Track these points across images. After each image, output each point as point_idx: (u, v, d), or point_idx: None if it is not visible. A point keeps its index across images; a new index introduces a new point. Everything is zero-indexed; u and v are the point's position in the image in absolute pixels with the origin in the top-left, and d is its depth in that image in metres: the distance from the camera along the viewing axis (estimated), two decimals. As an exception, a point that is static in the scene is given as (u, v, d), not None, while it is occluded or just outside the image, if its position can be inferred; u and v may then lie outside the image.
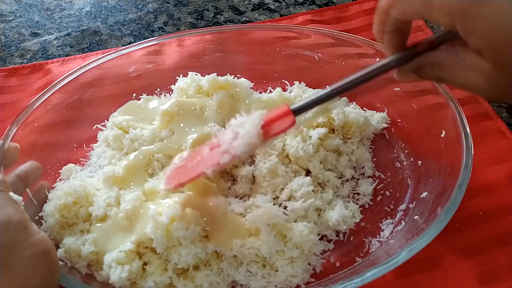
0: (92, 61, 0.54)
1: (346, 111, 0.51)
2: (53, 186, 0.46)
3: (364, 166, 0.51)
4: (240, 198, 0.47)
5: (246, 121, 0.36)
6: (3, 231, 0.32)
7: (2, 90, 0.61)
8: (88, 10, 0.76)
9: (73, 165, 0.50)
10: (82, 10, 0.76)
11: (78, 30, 0.72)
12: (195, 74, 0.54)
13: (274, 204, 0.45)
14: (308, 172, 0.49)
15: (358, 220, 0.46)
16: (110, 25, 0.73)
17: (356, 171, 0.50)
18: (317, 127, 0.50)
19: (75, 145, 0.52)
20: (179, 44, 0.60)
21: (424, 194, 0.45)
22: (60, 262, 0.39)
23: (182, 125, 0.49)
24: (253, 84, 0.55)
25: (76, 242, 0.41)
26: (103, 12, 0.75)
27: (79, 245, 0.40)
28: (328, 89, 0.35)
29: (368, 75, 0.35)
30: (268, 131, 0.36)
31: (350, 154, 0.51)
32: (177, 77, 0.55)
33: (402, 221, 0.45)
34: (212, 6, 0.76)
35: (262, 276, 0.41)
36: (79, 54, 0.67)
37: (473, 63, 0.30)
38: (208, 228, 0.41)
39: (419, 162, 0.49)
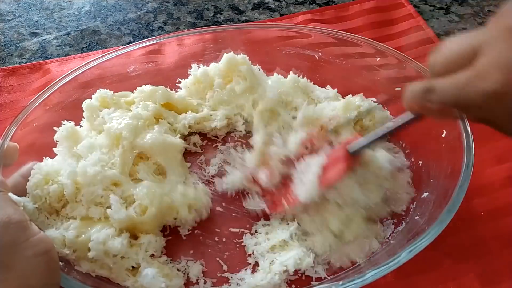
0: (92, 61, 0.54)
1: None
2: None
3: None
4: None
5: (309, 167, 0.43)
6: (4, 231, 0.32)
7: (1, 90, 0.61)
8: (87, 9, 0.75)
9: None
10: (81, 10, 0.75)
11: (78, 29, 0.71)
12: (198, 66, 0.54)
13: None
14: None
15: (359, 220, 0.46)
16: (110, 25, 0.72)
17: (356, 171, 0.50)
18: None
19: (74, 145, 0.52)
20: (179, 44, 0.59)
21: (425, 194, 0.45)
22: (60, 263, 0.39)
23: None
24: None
25: (59, 231, 0.40)
26: (102, 11, 0.75)
27: (62, 234, 0.40)
28: (384, 129, 0.40)
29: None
30: (326, 179, 0.41)
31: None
32: (179, 80, 0.55)
33: (403, 222, 0.45)
34: (212, 5, 0.76)
35: None
36: (78, 53, 0.67)
37: None
38: None
39: (420, 162, 0.49)
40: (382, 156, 0.46)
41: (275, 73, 0.56)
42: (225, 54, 0.54)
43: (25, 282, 0.32)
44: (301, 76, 0.56)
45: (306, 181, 0.42)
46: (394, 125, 0.38)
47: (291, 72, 0.55)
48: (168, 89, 0.54)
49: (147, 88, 0.52)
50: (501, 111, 0.27)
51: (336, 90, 0.55)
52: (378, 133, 0.40)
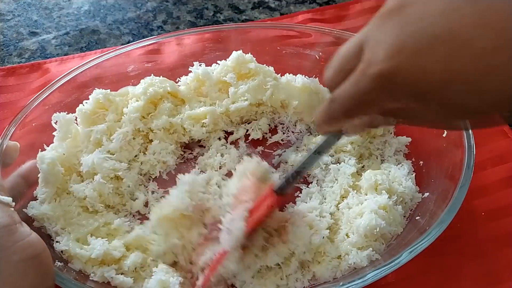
0: (91, 60, 0.54)
1: None
2: None
3: (364, 166, 0.50)
4: None
5: (234, 218, 0.39)
6: None
7: (0, 89, 0.60)
8: (86, 9, 0.75)
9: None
10: (80, 9, 0.75)
11: (77, 29, 0.71)
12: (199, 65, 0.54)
13: None
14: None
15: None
16: (109, 24, 0.72)
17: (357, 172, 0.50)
18: None
19: (73, 145, 0.51)
20: (178, 43, 0.59)
21: (426, 194, 0.45)
22: (58, 263, 0.39)
23: None
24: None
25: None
26: (101, 11, 0.75)
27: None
28: (303, 161, 0.39)
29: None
30: (253, 219, 0.38)
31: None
32: (179, 79, 0.55)
33: (404, 222, 0.45)
34: (212, 4, 0.76)
35: None
36: (77, 53, 0.67)
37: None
38: None
39: (421, 162, 0.49)
40: None
41: (286, 74, 0.56)
42: (234, 52, 0.53)
43: None
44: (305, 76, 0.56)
45: (232, 228, 0.38)
46: (313, 155, 0.38)
47: (298, 74, 0.55)
48: (175, 83, 0.54)
49: (156, 78, 0.53)
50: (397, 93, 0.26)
51: None
52: (300, 166, 0.39)
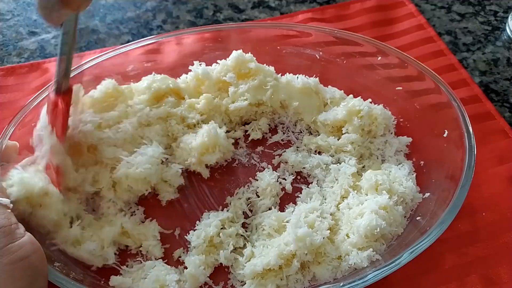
0: (90, 60, 0.54)
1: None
2: None
3: (365, 166, 0.50)
4: None
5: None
6: None
7: (0, 89, 0.60)
8: (86, 8, 0.75)
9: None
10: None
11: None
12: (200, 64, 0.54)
13: None
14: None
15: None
16: (108, 24, 0.72)
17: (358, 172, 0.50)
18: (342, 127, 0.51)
19: (73, 145, 0.51)
20: (178, 43, 0.59)
21: (427, 195, 0.45)
22: (57, 264, 0.39)
23: None
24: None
25: None
26: (101, 10, 0.75)
27: None
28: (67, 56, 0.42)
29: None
30: (57, 130, 0.42)
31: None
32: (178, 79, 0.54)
33: (404, 222, 0.44)
34: (212, 4, 0.75)
35: None
36: (76, 53, 0.66)
37: None
38: None
39: (422, 162, 0.49)
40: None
41: (286, 74, 0.56)
42: (234, 51, 0.53)
43: None
44: (305, 76, 0.56)
45: (50, 146, 0.41)
46: (65, 39, 0.41)
47: (298, 74, 0.55)
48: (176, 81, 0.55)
49: (158, 76, 0.53)
50: None
51: (342, 91, 0.55)
52: (62, 59, 0.41)
